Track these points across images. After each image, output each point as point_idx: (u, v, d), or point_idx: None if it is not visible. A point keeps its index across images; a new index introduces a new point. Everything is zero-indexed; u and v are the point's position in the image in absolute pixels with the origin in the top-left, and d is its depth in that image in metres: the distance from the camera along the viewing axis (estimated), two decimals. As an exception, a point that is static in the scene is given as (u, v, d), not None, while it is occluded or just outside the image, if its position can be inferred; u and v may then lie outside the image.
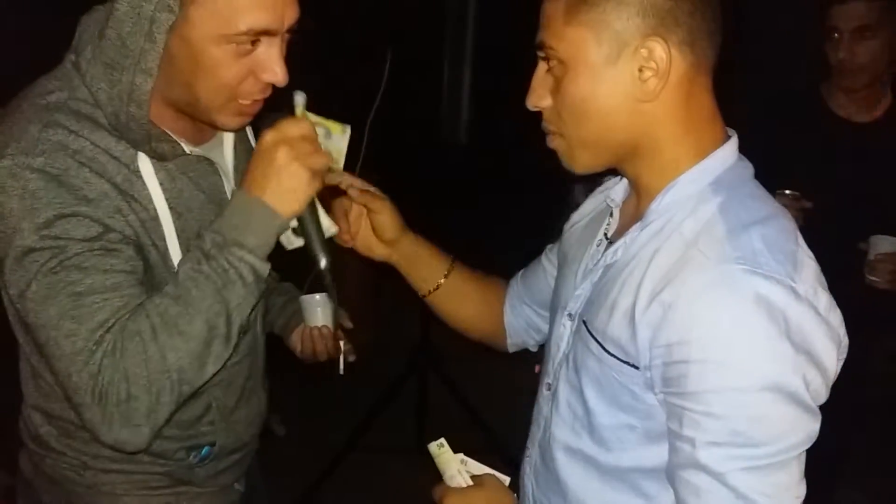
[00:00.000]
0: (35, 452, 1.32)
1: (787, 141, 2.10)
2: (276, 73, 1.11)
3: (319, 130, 1.22)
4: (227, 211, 1.12)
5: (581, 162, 1.10)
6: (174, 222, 1.18)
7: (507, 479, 1.20)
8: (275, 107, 1.20)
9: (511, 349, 1.53)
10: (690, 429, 0.96)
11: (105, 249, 1.08)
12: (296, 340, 1.61)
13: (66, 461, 1.29)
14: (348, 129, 1.26)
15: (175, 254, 1.18)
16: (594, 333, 1.08)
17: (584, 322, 1.11)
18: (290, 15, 1.10)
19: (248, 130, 1.38)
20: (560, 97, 1.05)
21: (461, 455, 1.21)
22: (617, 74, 1.01)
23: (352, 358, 1.64)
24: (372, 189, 1.38)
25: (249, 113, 1.16)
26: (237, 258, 1.09)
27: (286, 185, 1.10)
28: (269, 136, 1.11)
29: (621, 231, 1.14)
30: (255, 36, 1.07)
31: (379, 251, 1.43)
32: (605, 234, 1.19)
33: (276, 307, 1.63)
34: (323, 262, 1.17)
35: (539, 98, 1.08)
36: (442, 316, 1.51)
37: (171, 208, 1.18)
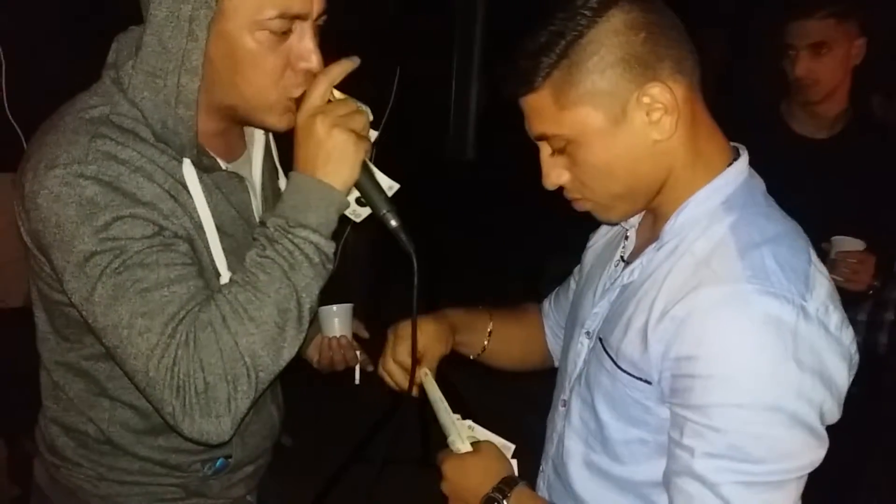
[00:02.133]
0: (51, 463, 1.32)
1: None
2: (312, 59, 1.12)
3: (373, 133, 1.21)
4: (285, 194, 1.12)
5: (618, 214, 1.12)
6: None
7: (511, 447, 1.21)
8: None
9: None
10: (691, 438, 0.97)
11: (163, 245, 1.09)
12: (313, 351, 1.62)
13: (82, 472, 1.29)
14: (368, 114, 1.23)
15: (220, 261, 1.18)
16: (609, 350, 1.10)
17: (601, 339, 1.13)
18: (319, 0, 1.11)
19: (273, 149, 1.39)
20: (579, 169, 1.05)
21: (469, 421, 1.23)
22: (629, 128, 1.01)
23: (370, 368, 1.63)
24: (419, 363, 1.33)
25: (296, 109, 1.15)
26: (301, 239, 1.09)
27: (334, 155, 1.09)
28: (300, 112, 1.11)
29: (637, 252, 1.15)
30: (287, 21, 1.08)
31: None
32: (622, 256, 1.21)
33: None
34: (393, 222, 1.15)
35: (557, 177, 1.08)
36: (494, 366, 1.52)
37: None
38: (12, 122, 2.26)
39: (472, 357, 1.46)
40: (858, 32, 2.05)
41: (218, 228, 1.19)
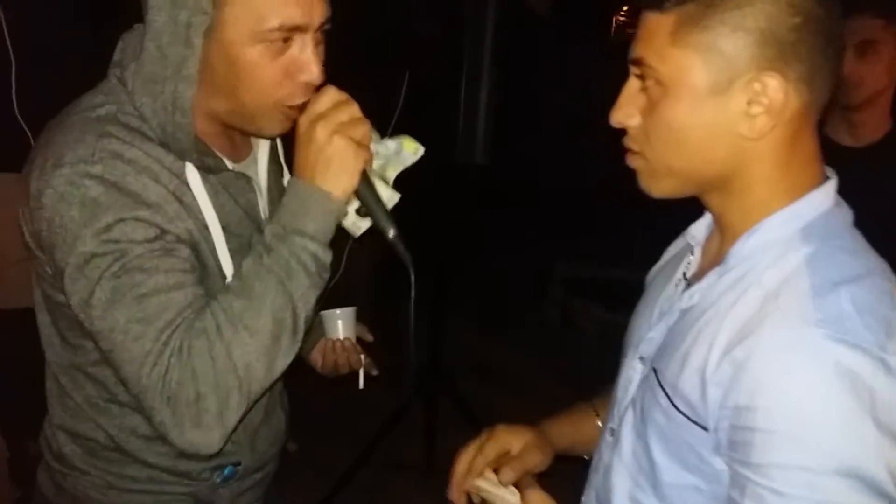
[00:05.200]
0: (57, 471, 1.30)
1: None
2: (312, 71, 1.11)
3: (391, 143, 1.21)
4: (283, 200, 1.11)
5: (662, 188, 1.00)
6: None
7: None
8: None
9: None
10: (751, 501, 0.87)
11: (164, 250, 1.08)
12: (316, 355, 1.61)
13: (90, 480, 1.27)
14: (421, 152, 1.24)
15: (225, 263, 1.18)
16: (664, 386, 1.00)
17: (655, 370, 1.03)
18: (320, 11, 1.10)
19: (280, 149, 1.38)
20: (653, 119, 0.95)
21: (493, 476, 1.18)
22: (722, 106, 0.91)
23: (374, 372, 1.62)
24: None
25: (294, 118, 1.14)
26: (299, 247, 1.08)
27: (333, 163, 1.08)
28: (302, 118, 1.10)
29: (702, 272, 1.05)
30: (287, 32, 1.07)
31: None
32: (684, 274, 1.10)
33: None
34: (391, 232, 1.14)
35: (627, 116, 0.98)
36: None
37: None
38: (21, 122, 2.26)
39: (587, 458, 1.31)
40: None
41: (225, 229, 1.18)
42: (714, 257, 1.04)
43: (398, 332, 1.26)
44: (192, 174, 1.14)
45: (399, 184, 1.22)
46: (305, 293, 1.09)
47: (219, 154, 1.20)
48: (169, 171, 1.12)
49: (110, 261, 1.05)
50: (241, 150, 1.28)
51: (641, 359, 1.10)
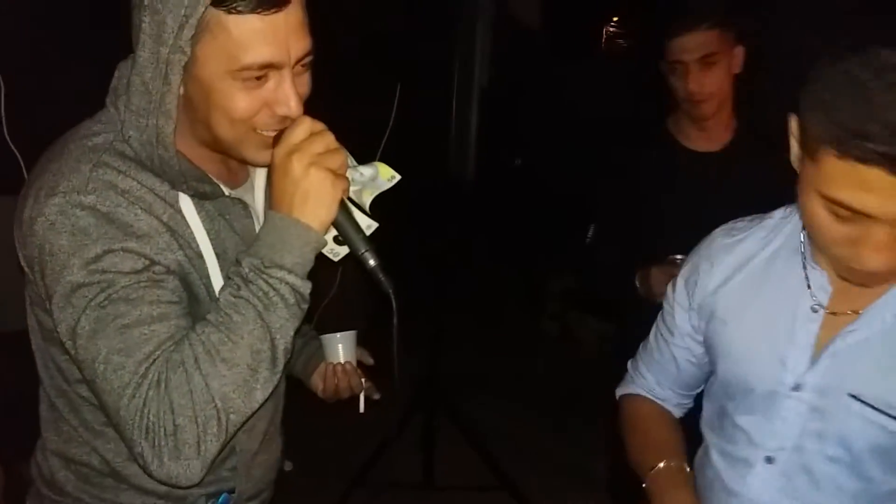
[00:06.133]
0: (48, 498, 1.29)
1: (646, 178, 2.12)
2: (290, 105, 1.10)
3: (366, 169, 1.21)
4: (260, 233, 1.11)
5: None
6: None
7: None
8: None
9: None
10: None
11: (152, 281, 1.08)
12: (317, 380, 1.60)
13: None
14: (397, 178, 1.24)
15: (219, 290, 1.16)
16: (877, 406, 1.08)
17: (855, 397, 1.10)
18: (298, 47, 1.09)
19: None
20: None
21: None
22: None
23: (376, 396, 1.62)
24: None
25: (269, 146, 1.15)
26: (277, 279, 1.08)
27: (310, 195, 1.08)
28: (277, 149, 1.10)
29: (848, 299, 1.13)
30: (261, 70, 1.07)
31: None
32: (818, 306, 1.17)
33: (295, 349, 1.61)
34: (372, 261, 1.14)
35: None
36: None
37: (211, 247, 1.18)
38: (11, 146, 2.26)
39: None
40: (736, 41, 2.06)
41: (219, 256, 1.18)
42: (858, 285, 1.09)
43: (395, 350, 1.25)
44: (186, 203, 1.15)
45: (392, 199, 1.22)
46: (284, 325, 1.09)
47: (216, 180, 1.21)
48: (163, 201, 1.12)
49: (96, 291, 1.05)
50: (239, 175, 1.28)
51: (797, 386, 1.16)
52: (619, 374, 1.57)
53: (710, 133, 2.13)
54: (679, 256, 1.97)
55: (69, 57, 2.25)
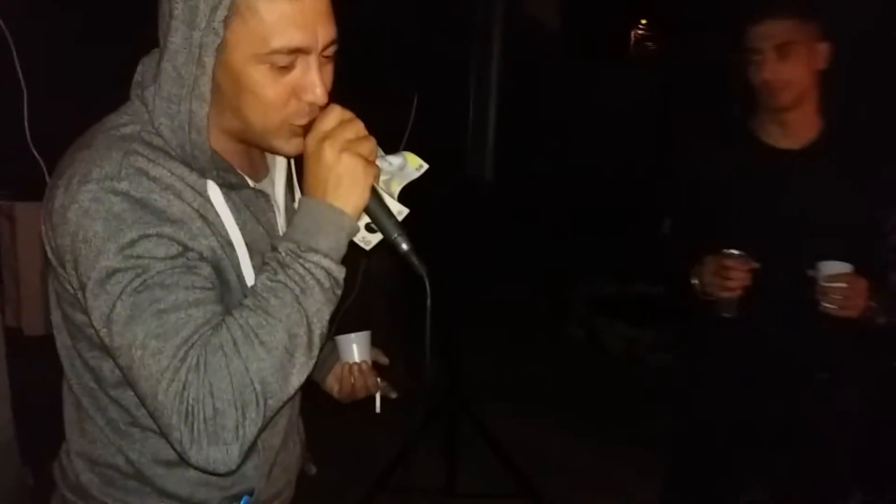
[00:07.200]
0: (70, 501, 1.29)
1: (721, 175, 2.10)
2: (316, 92, 1.12)
3: (395, 159, 1.22)
4: (295, 219, 1.13)
5: None
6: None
7: None
8: None
9: None
10: None
11: (186, 267, 1.09)
12: (332, 382, 1.60)
13: None
14: (424, 167, 1.25)
15: (249, 279, 1.18)
16: None
17: None
18: (325, 33, 1.10)
19: (294, 171, 1.38)
20: None
21: None
22: None
23: (393, 395, 1.62)
24: None
25: (300, 136, 1.15)
26: (313, 263, 1.09)
27: (343, 180, 1.10)
28: (310, 137, 1.12)
29: None
30: (290, 55, 1.08)
31: None
32: None
33: None
34: (404, 246, 1.15)
35: None
36: None
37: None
38: (34, 152, 2.28)
39: None
40: (820, 36, 2.02)
41: (247, 245, 1.19)
42: None
43: (416, 354, 1.25)
44: (214, 191, 1.16)
45: (412, 202, 1.22)
46: (320, 309, 1.10)
47: (241, 172, 1.21)
48: (192, 189, 1.13)
49: (132, 276, 1.05)
50: (260, 169, 1.29)
51: None
52: (654, 379, 1.55)
53: (791, 130, 2.08)
54: (734, 251, 1.97)
55: (92, 63, 2.27)
